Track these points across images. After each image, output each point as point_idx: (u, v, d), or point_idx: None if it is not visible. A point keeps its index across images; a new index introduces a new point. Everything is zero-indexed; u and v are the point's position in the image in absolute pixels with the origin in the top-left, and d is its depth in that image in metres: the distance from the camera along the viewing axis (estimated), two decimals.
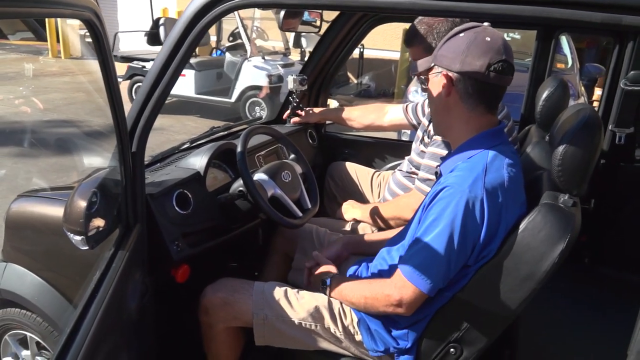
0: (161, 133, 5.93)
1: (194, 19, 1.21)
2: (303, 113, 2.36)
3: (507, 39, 6.49)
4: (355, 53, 7.98)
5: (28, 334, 1.77)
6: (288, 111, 2.37)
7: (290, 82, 2.23)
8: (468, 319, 1.30)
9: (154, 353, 1.50)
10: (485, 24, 1.25)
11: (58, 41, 11.31)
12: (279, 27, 1.72)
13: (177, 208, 1.54)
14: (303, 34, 6.81)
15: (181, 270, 1.57)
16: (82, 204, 1.20)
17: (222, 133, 2.13)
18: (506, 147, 1.28)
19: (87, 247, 1.21)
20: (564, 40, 5.77)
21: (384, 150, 2.47)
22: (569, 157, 1.17)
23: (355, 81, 8.28)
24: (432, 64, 1.27)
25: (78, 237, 1.21)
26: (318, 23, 2.00)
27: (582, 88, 5.42)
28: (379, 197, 2.23)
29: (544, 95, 1.72)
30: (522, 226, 1.20)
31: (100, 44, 1.03)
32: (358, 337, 1.42)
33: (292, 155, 1.87)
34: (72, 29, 11.53)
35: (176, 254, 1.50)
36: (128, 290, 1.23)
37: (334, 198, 2.34)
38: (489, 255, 1.23)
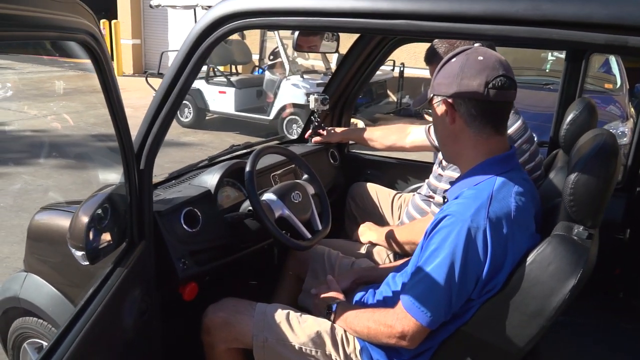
0: (200, 149, 6.07)
1: (198, 39, 1.22)
2: (325, 132, 2.35)
3: (552, 58, 6.29)
4: (396, 72, 7.97)
5: (45, 343, 1.81)
6: (310, 130, 2.37)
7: (312, 102, 2.22)
8: (473, 355, 1.23)
9: None
10: (477, 44, 1.21)
11: (112, 60, 11.86)
12: (293, 47, 1.72)
13: (185, 226, 1.55)
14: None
15: (188, 288, 1.58)
16: (84, 219, 1.22)
17: (242, 151, 2.15)
18: (517, 174, 1.21)
19: (87, 263, 1.23)
20: (612, 60, 5.54)
21: (408, 171, 2.42)
22: (581, 186, 1.10)
23: (395, 99, 8.23)
24: (432, 95, 1.23)
25: (79, 253, 1.23)
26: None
27: (632, 109, 5.17)
28: (399, 219, 2.18)
29: (569, 118, 1.64)
30: (530, 259, 1.13)
31: (100, 64, 1.05)
32: None
33: (306, 176, 1.85)
34: (126, 49, 12.10)
35: (182, 271, 1.50)
36: (124, 307, 1.23)
37: (354, 219, 2.30)
38: (494, 289, 1.16)
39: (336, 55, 6.89)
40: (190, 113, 7.29)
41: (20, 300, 1.76)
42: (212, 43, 1.22)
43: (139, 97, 7.93)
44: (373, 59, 2.28)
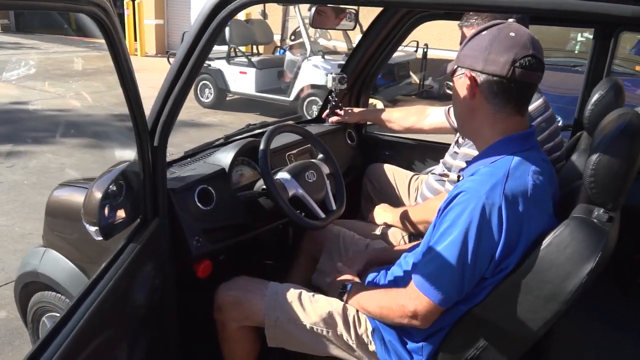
0: (219, 129, 6.08)
1: (211, 14, 1.20)
2: (342, 112, 2.32)
3: (581, 39, 6.11)
4: (419, 53, 7.83)
5: None
6: (327, 110, 2.34)
7: (329, 81, 2.19)
8: (486, 337, 1.20)
9: (167, 348, 1.51)
10: (510, 20, 1.16)
11: (135, 40, 11.91)
12: (310, 25, 1.67)
13: (199, 204, 1.55)
14: None
15: (202, 265, 1.58)
16: (98, 195, 1.22)
17: (258, 130, 2.13)
18: (535, 154, 1.17)
19: (100, 238, 1.24)
20: None
21: (426, 153, 2.38)
22: (603, 167, 1.06)
23: (418, 81, 8.09)
24: (455, 66, 1.19)
25: (92, 228, 1.24)
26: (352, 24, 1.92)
27: None
28: (415, 201, 2.15)
29: (594, 98, 1.57)
30: (546, 241, 1.09)
31: (111, 38, 1.03)
32: (372, 347, 1.37)
33: (321, 155, 1.83)
34: (149, 29, 12.15)
35: (196, 249, 1.51)
36: (136, 283, 1.24)
37: (371, 200, 2.28)
38: (507, 268, 1.13)
39: (359, 36, 6.79)
40: (211, 94, 7.30)
41: (39, 274, 1.80)
42: (225, 17, 1.20)
43: (161, 78, 7.95)
44: (393, 38, 2.23)
